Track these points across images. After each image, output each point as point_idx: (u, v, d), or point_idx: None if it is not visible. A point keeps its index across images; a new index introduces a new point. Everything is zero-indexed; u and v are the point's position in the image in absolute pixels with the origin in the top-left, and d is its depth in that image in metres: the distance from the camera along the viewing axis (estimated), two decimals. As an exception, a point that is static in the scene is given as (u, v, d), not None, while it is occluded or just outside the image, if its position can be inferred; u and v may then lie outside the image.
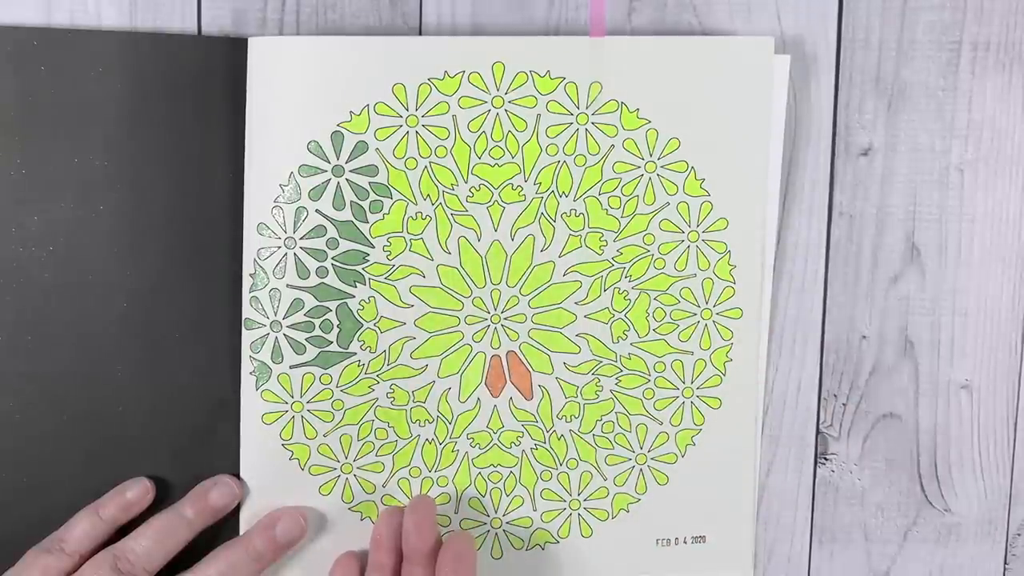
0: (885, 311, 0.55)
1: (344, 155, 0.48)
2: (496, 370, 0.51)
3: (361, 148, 0.48)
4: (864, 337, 0.55)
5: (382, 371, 0.50)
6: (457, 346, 0.51)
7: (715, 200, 0.51)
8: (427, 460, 0.51)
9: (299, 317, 0.49)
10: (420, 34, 0.50)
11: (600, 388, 0.52)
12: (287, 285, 0.49)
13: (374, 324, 0.50)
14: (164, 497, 0.49)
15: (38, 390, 0.49)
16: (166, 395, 0.49)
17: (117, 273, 0.49)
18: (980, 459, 0.56)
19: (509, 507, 0.52)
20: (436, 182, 0.49)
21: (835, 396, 0.55)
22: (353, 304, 0.49)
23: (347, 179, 0.49)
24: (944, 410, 0.56)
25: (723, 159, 0.51)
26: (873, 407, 0.55)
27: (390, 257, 0.49)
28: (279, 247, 0.48)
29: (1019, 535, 0.57)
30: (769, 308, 0.53)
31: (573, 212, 0.50)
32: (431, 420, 0.51)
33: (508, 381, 0.51)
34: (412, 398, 0.51)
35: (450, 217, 0.50)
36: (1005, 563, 0.57)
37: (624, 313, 0.51)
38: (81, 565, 0.46)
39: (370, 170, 0.49)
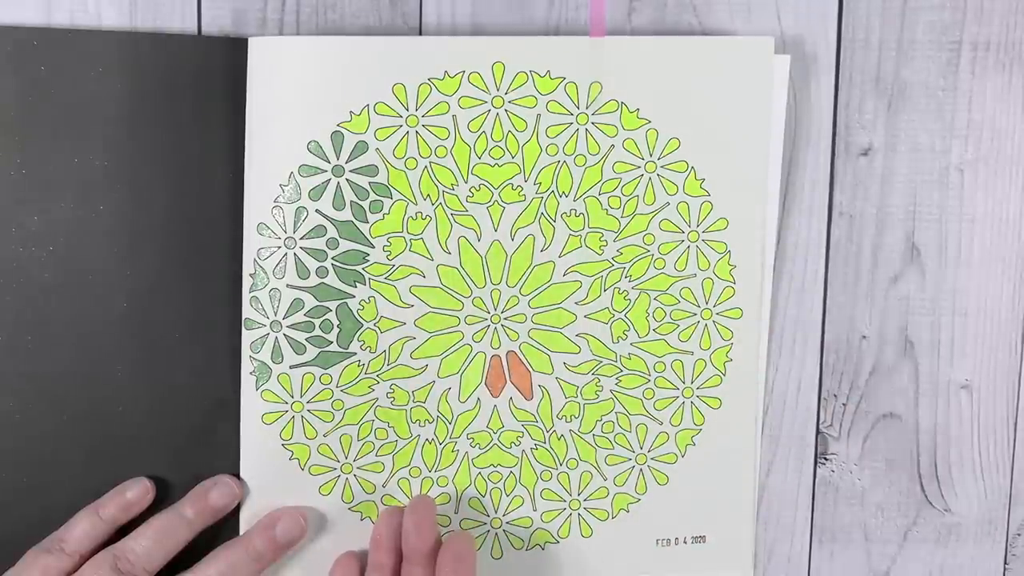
0: (885, 311, 0.55)
1: (344, 155, 0.48)
2: (496, 370, 0.51)
3: (361, 148, 0.48)
4: (864, 337, 0.55)
5: (382, 371, 0.50)
6: (457, 346, 0.51)
7: (715, 200, 0.51)
8: (427, 460, 0.51)
9: (299, 317, 0.49)
10: (420, 34, 0.50)
11: (600, 388, 0.52)
12: (287, 285, 0.49)
13: (374, 324, 0.50)
14: (164, 497, 0.49)
15: (38, 390, 0.49)
16: (166, 395, 0.49)
17: (117, 273, 0.49)
18: (980, 459, 0.56)
19: (509, 507, 0.52)
20: (436, 182, 0.49)
21: (835, 396, 0.55)
22: (353, 304, 0.49)
23: (347, 179, 0.49)
24: (944, 410, 0.56)
25: (723, 159, 0.51)
26: (873, 407, 0.55)
27: (390, 257, 0.49)
28: (279, 247, 0.48)
29: (1019, 535, 0.57)
30: (769, 308, 0.53)
31: (573, 212, 0.50)
32: (431, 420, 0.51)
33: (508, 381, 0.51)
34: (412, 398, 0.51)
35: (450, 217, 0.50)
36: (1005, 563, 0.57)
37: (624, 313, 0.51)
38: (81, 565, 0.46)
39: (370, 170, 0.49)
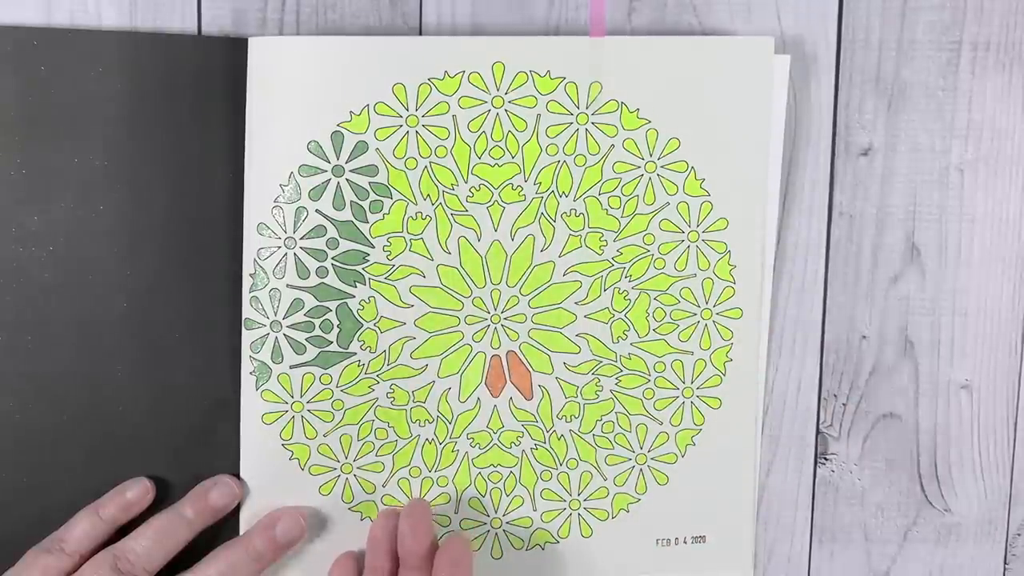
0: (885, 311, 0.55)
1: (344, 155, 0.48)
2: (496, 370, 0.51)
3: (361, 148, 0.48)
4: (864, 337, 0.55)
5: (382, 371, 0.50)
6: (457, 346, 0.51)
7: (715, 200, 0.51)
8: (427, 460, 0.51)
9: (299, 317, 0.49)
10: (420, 34, 0.50)
11: (600, 388, 0.52)
12: (287, 285, 0.49)
13: (374, 324, 0.50)
14: (164, 497, 0.49)
15: (38, 390, 0.49)
16: (166, 395, 0.49)
17: (117, 273, 0.49)
18: (980, 459, 0.56)
19: (509, 507, 0.52)
20: (436, 182, 0.49)
21: (835, 396, 0.55)
22: (353, 304, 0.49)
23: (347, 179, 0.49)
24: (944, 410, 0.56)
25: (723, 159, 0.51)
26: (873, 407, 0.55)
27: (390, 257, 0.49)
28: (279, 247, 0.48)
29: (1019, 535, 0.57)
30: (769, 308, 0.53)
31: (573, 212, 0.50)
32: (431, 420, 0.51)
33: (508, 381, 0.51)
34: (412, 398, 0.51)
35: (450, 217, 0.50)
36: (1005, 563, 0.57)
37: (624, 313, 0.51)
38: (81, 565, 0.46)
39: (370, 170, 0.49)
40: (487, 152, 0.49)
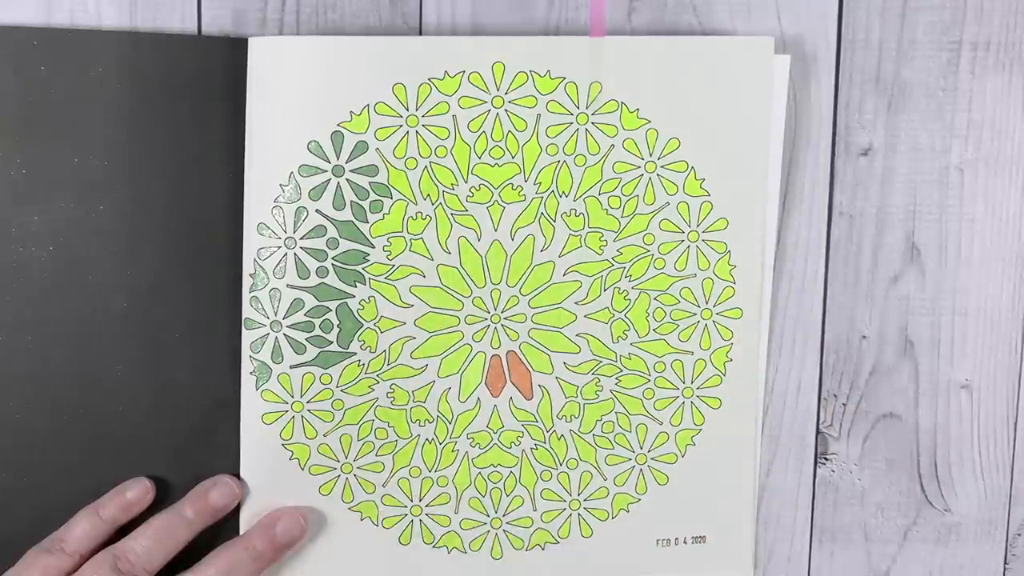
0: (885, 311, 0.55)
1: (344, 155, 0.48)
2: (496, 370, 0.51)
3: (361, 148, 0.48)
4: (864, 337, 0.55)
5: (382, 371, 0.50)
6: (457, 346, 0.51)
7: (715, 200, 0.51)
8: (427, 460, 0.51)
9: (299, 317, 0.49)
10: (420, 34, 0.50)
11: (600, 388, 0.52)
12: (287, 285, 0.49)
13: (374, 324, 0.50)
14: (164, 497, 0.49)
15: (38, 390, 0.49)
16: (166, 395, 0.49)
17: (117, 273, 0.49)
18: (980, 459, 0.56)
19: (509, 507, 0.52)
20: (436, 182, 0.49)
21: (835, 396, 0.55)
22: (353, 304, 0.49)
23: (347, 179, 0.49)
24: (944, 410, 0.56)
25: (723, 159, 0.51)
26: (873, 407, 0.55)
27: (390, 257, 0.49)
28: (279, 247, 0.48)
29: (1019, 535, 0.57)
30: (769, 308, 0.53)
31: (573, 212, 0.50)
32: (431, 420, 0.51)
33: (508, 381, 0.51)
34: (412, 398, 0.51)
35: (450, 217, 0.50)
36: (1005, 563, 0.57)
37: (624, 313, 0.51)
38: (81, 565, 0.46)
39: (370, 170, 0.49)
40: (487, 152, 0.49)
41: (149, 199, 0.48)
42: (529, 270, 0.51)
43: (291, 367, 0.49)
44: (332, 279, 0.49)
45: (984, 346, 0.55)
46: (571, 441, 0.52)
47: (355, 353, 0.50)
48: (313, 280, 0.49)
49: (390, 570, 0.52)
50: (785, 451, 0.55)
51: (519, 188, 0.50)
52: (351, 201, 0.49)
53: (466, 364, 0.51)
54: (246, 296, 0.49)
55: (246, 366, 0.49)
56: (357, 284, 0.49)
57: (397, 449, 0.51)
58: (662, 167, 0.51)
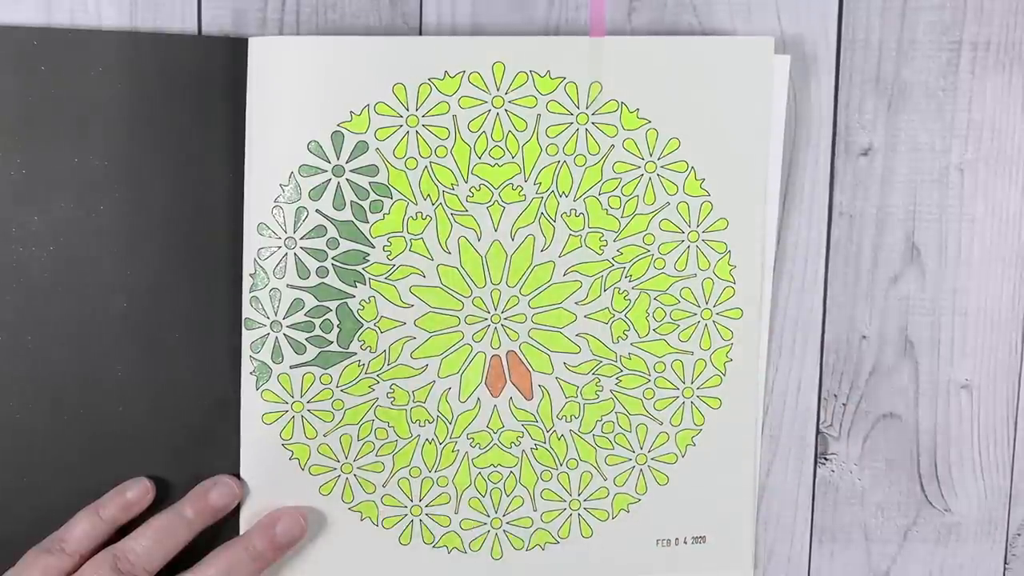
0: (885, 311, 0.55)
1: (344, 155, 0.48)
2: (496, 370, 0.51)
3: (361, 148, 0.48)
4: (864, 337, 0.55)
5: (382, 371, 0.50)
6: (457, 346, 0.51)
7: (715, 200, 0.51)
8: (427, 460, 0.51)
9: (299, 317, 0.49)
10: (420, 34, 0.50)
11: (600, 388, 0.52)
12: (287, 285, 0.49)
13: (374, 324, 0.50)
14: (164, 497, 0.49)
15: (38, 390, 0.49)
16: (166, 395, 0.49)
17: (117, 273, 0.49)
18: (980, 459, 0.56)
19: (509, 507, 0.52)
20: (436, 182, 0.49)
21: (835, 396, 0.55)
22: (353, 304, 0.49)
23: (347, 179, 0.49)
24: (944, 410, 0.56)
25: (723, 159, 0.51)
26: (873, 407, 0.55)
27: (390, 257, 0.49)
28: (279, 247, 0.48)
29: (1019, 535, 0.57)
30: (769, 308, 0.53)
31: (573, 212, 0.50)
32: (431, 420, 0.51)
33: (508, 381, 0.51)
34: (412, 398, 0.51)
35: (450, 217, 0.50)
36: (1005, 563, 0.57)
37: (624, 313, 0.51)
38: (81, 565, 0.46)
39: (370, 170, 0.49)
40: (487, 152, 0.49)
41: (149, 199, 0.48)
42: (529, 270, 0.51)
43: (291, 367, 0.49)
44: (332, 279, 0.49)
45: (984, 346, 0.55)
46: (571, 441, 0.52)
47: (355, 353, 0.50)
48: (313, 280, 0.49)
49: (390, 570, 0.52)
50: (785, 451, 0.55)
51: (519, 188, 0.50)
52: (351, 201, 0.49)
53: (466, 364, 0.51)
54: (246, 296, 0.49)
55: (246, 366, 0.49)
56: (357, 284, 0.49)
57: (397, 449, 0.51)
58: (662, 167, 0.51)
